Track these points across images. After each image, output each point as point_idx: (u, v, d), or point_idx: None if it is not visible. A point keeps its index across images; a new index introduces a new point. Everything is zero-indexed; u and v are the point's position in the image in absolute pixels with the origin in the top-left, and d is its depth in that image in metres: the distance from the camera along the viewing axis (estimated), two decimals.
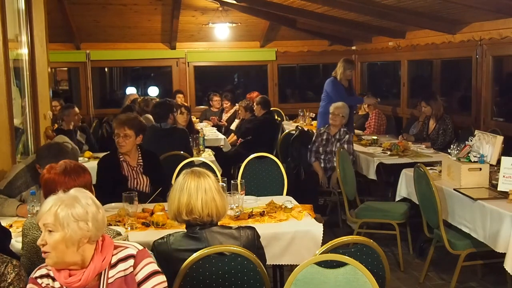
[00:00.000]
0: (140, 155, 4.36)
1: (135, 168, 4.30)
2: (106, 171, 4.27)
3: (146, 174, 4.30)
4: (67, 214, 2.04)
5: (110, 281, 2.14)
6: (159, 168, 4.41)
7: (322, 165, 6.09)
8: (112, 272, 2.16)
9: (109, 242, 2.19)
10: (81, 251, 2.09)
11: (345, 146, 6.00)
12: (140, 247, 2.22)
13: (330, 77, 7.47)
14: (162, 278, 2.19)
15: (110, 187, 4.02)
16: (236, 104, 9.09)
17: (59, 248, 2.05)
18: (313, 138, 6.23)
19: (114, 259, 2.17)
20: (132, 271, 2.16)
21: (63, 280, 2.10)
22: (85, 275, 2.09)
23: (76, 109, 6.79)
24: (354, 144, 6.43)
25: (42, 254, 2.09)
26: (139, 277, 2.16)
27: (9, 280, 2.09)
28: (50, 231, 2.05)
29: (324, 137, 6.15)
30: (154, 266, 2.19)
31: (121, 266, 2.16)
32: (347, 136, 6.12)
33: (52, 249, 2.05)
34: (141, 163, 4.33)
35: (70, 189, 2.18)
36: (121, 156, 4.31)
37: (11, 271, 2.10)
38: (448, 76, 8.47)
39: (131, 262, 2.17)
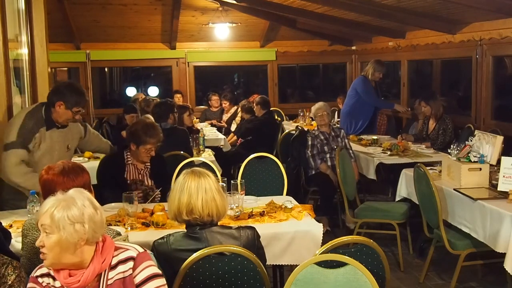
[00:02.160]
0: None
1: (141, 171, 4.22)
2: (108, 173, 4.22)
3: (152, 178, 4.23)
4: (63, 217, 2.03)
5: (109, 282, 2.14)
6: (166, 172, 4.33)
7: (329, 163, 5.94)
8: (112, 274, 2.15)
9: (110, 243, 2.18)
10: (79, 253, 2.08)
11: (346, 141, 6.11)
12: (141, 250, 2.21)
13: (359, 76, 7.47)
14: (161, 281, 2.18)
15: (110, 188, 3.99)
16: (235, 106, 9.12)
17: (55, 250, 2.04)
18: (309, 143, 6.01)
19: (114, 261, 2.16)
20: (131, 273, 2.15)
21: (62, 280, 2.10)
22: (85, 276, 2.09)
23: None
24: (354, 144, 6.50)
25: (41, 255, 2.09)
26: (138, 279, 2.15)
27: (10, 282, 2.08)
28: (47, 233, 2.05)
29: (322, 137, 6.05)
30: (154, 269, 2.18)
31: (121, 268, 2.16)
32: (342, 130, 6.23)
33: (49, 251, 2.05)
34: (148, 166, 4.25)
35: (70, 189, 2.17)
36: (129, 158, 4.22)
37: (11, 273, 2.10)
38: (448, 76, 8.47)
39: (130, 264, 2.16)
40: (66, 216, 2.03)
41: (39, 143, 3.88)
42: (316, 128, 6.20)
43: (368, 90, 7.30)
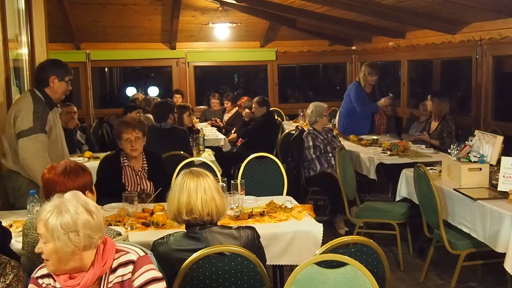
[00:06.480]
0: (144, 158, 4.23)
1: (139, 173, 4.18)
2: (107, 175, 4.18)
3: (150, 180, 4.18)
4: (56, 226, 1.99)
5: (109, 286, 2.13)
6: (164, 171, 4.28)
7: (333, 162, 5.88)
8: (112, 277, 2.13)
9: (111, 246, 2.16)
10: (78, 259, 2.06)
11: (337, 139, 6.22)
12: (142, 253, 2.18)
13: (354, 82, 7.41)
14: (161, 285, 2.15)
15: (109, 189, 3.95)
16: (237, 106, 9.13)
17: (53, 258, 2.03)
18: (310, 144, 5.94)
19: (115, 264, 2.14)
20: (129, 277, 2.13)
21: (63, 283, 2.09)
22: (85, 279, 2.07)
23: (73, 107, 6.66)
24: (354, 144, 6.55)
25: (44, 261, 2.08)
26: (136, 283, 2.12)
27: (8, 282, 2.07)
28: (44, 241, 2.04)
29: (321, 136, 6.02)
30: (153, 273, 2.15)
31: (120, 271, 2.14)
32: (330, 130, 6.28)
33: (48, 258, 2.04)
34: (146, 167, 4.21)
35: (68, 190, 2.15)
36: (125, 161, 4.18)
37: (10, 272, 2.09)
38: (448, 76, 8.47)
39: (130, 268, 2.14)
40: (59, 225, 2.00)
41: (49, 127, 3.92)
42: (311, 128, 6.10)
43: (358, 97, 7.17)
